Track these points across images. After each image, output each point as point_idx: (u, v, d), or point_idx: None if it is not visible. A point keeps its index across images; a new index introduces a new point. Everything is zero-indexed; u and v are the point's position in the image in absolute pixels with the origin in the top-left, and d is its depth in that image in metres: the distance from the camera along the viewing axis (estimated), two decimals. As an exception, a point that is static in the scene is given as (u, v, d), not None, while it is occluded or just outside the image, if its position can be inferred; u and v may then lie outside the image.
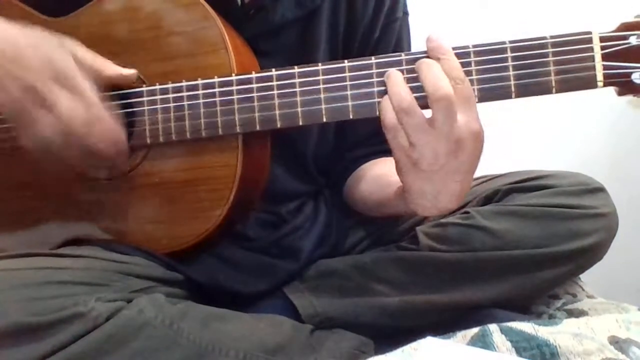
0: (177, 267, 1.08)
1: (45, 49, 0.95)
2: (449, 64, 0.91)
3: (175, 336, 0.95)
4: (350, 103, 0.97)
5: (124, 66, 1.04)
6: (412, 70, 0.94)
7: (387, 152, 1.23)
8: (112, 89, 1.05)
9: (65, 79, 0.94)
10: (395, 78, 0.93)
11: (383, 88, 0.94)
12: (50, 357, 0.88)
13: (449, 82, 0.89)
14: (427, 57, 0.93)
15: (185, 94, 1.02)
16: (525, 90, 0.92)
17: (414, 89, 0.92)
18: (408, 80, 0.93)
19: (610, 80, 0.91)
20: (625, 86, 0.91)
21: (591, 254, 1.12)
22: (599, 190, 1.14)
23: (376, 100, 0.96)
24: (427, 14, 1.56)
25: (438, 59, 0.91)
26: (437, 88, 0.89)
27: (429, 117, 0.90)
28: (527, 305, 1.19)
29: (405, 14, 1.27)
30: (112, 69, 1.02)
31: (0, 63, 0.92)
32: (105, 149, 0.98)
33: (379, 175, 1.19)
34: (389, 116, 0.92)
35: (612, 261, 1.18)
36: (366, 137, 1.25)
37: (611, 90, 0.93)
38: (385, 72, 0.95)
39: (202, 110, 1.02)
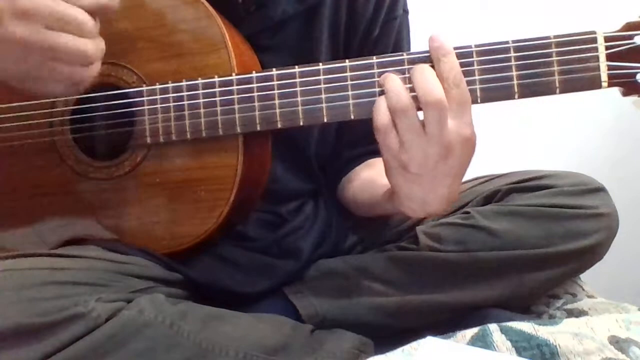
0: (177, 267, 1.07)
1: None
2: (449, 65, 0.90)
3: (176, 336, 0.95)
4: (351, 103, 0.96)
5: (123, 65, 1.04)
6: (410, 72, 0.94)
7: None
8: (113, 88, 1.05)
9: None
10: (393, 78, 0.93)
11: (383, 89, 0.94)
12: (51, 357, 0.87)
13: (443, 86, 0.89)
14: (428, 57, 0.93)
15: (185, 93, 1.02)
16: (528, 91, 0.92)
17: (413, 90, 0.91)
18: (409, 81, 0.93)
19: (614, 80, 0.91)
20: (630, 86, 0.91)
21: (591, 254, 1.12)
22: (599, 190, 1.14)
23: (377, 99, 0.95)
24: (427, 14, 1.56)
25: (439, 60, 0.91)
26: (427, 92, 0.88)
27: (422, 120, 0.90)
28: (527, 305, 1.19)
29: (405, 12, 1.27)
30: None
31: None
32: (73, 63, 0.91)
33: (369, 176, 1.20)
34: (382, 116, 0.91)
35: (613, 261, 1.18)
36: (363, 137, 1.24)
37: (612, 90, 0.93)
38: (386, 71, 0.95)
39: (202, 110, 1.02)
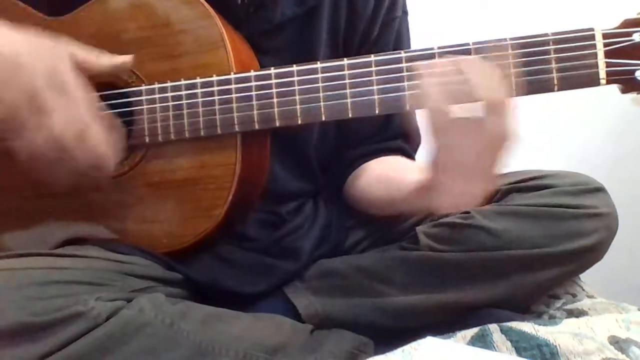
0: (177, 267, 1.08)
1: (43, 53, 0.94)
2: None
3: (175, 336, 0.95)
4: (349, 101, 0.97)
5: None
6: (411, 69, 0.94)
7: (388, 151, 1.24)
8: (111, 87, 1.05)
9: (62, 86, 0.93)
10: (444, 64, 0.90)
11: (382, 86, 0.94)
12: (50, 356, 0.88)
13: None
14: (427, 55, 0.93)
15: (184, 92, 1.03)
16: (526, 89, 0.92)
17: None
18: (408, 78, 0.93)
19: (613, 77, 0.91)
20: (628, 83, 0.91)
21: (591, 254, 1.12)
22: (599, 190, 1.14)
23: (375, 97, 0.96)
24: (427, 14, 1.56)
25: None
26: (490, 87, 0.86)
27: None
28: (527, 305, 1.19)
29: (405, 12, 1.27)
30: (105, 62, 1.00)
31: None
32: (89, 166, 0.97)
33: (390, 173, 1.19)
34: (435, 100, 0.88)
35: (612, 261, 1.18)
36: (368, 136, 1.26)
37: (612, 89, 0.93)
38: (385, 69, 0.95)
39: (200, 109, 1.02)
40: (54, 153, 0.94)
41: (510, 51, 0.92)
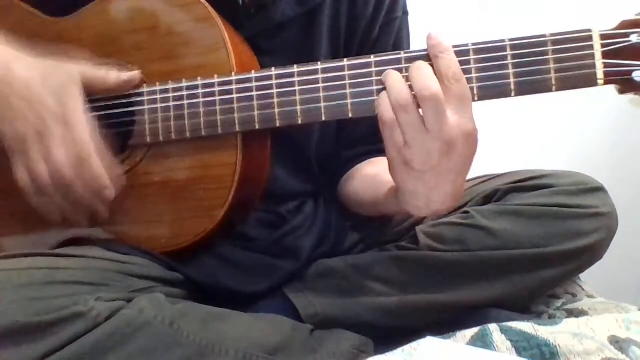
0: (177, 267, 1.08)
1: (53, 79, 0.97)
2: (446, 62, 0.90)
3: (176, 336, 0.95)
4: (349, 101, 0.97)
5: (124, 65, 1.05)
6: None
7: (383, 151, 1.24)
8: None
9: (68, 113, 0.96)
10: (395, 75, 0.93)
11: (383, 87, 0.94)
12: (50, 356, 0.87)
13: (443, 83, 0.89)
14: (426, 55, 0.93)
15: (185, 93, 1.03)
16: (525, 89, 0.92)
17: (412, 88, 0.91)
18: (407, 79, 0.93)
19: (610, 78, 0.90)
20: (626, 84, 0.91)
21: (591, 254, 1.12)
22: (599, 189, 1.14)
23: (375, 98, 0.96)
24: (426, 15, 1.57)
25: (437, 57, 0.91)
26: (424, 87, 0.88)
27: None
28: (527, 305, 1.19)
29: (405, 13, 1.28)
30: (112, 79, 1.03)
31: (10, 96, 0.95)
32: (87, 197, 1.00)
33: (373, 174, 1.20)
34: (386, 112, 0.91)
35: (612, 261, 1.18)
36: (363, 137, 1.26)
37: (611, 89, 0.93)
38: (385, 70, 0.95)
39: (201, 109, 1.02)
40: (54, 181, 0.97)
41: (509, 52, 0.92)
